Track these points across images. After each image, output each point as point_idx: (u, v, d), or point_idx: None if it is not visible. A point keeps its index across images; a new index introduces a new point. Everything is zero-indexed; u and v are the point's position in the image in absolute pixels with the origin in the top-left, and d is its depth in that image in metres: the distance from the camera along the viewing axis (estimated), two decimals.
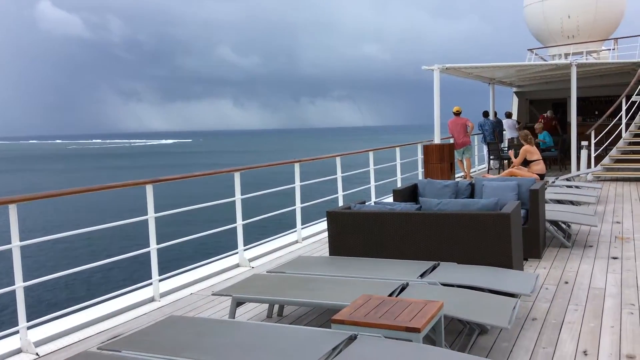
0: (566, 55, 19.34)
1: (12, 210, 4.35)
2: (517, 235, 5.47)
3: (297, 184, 8.16)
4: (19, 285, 4.35)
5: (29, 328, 4.55)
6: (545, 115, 18.05)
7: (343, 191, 9.39)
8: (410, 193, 7.34)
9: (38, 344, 4.51)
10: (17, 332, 4.44)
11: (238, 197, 6.81)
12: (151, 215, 5.55)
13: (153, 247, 5.56)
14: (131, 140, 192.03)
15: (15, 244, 4.35)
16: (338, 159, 9.27)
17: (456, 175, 13.71)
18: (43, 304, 12.72)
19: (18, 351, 4.40)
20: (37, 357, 4.31)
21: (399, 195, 7.12)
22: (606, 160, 14.49)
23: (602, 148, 15.00)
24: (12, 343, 4.46)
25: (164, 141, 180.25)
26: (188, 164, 64.88)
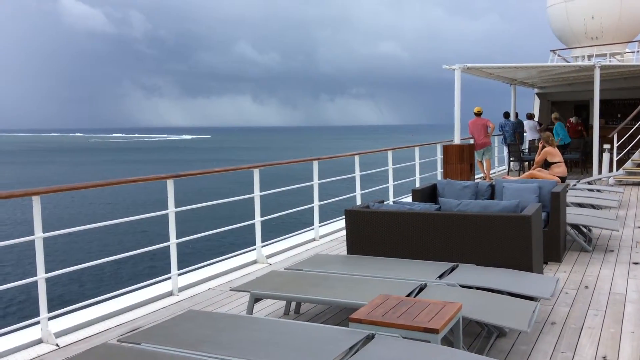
0: (589, 57, 19.07)
1: (36, 202, 4.42)
2: (537, 238, 5.43)
3: (316, 181, 8.18)
4: (41, 276, 4.42)
5: (49, 319, 4.61)
6: (570, 120, 17.79)
7: (361, 190, 9.39)
8: (429, 193, 7.30)
9: (59, 334, 4.58)
10: (38, 322, 4.49)
11: (257, 193, 6.83)
12: (171, 210, 5.61)
13: (173, 241, 5.60)
14: (152, 135, 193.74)
15: (39, 235, 4.41)
16: (357, 158, 9.29)
17: (476, 177, 13.63)
18: (63, 296, 12.98)
19: (39, 341, 4.47)
20: (57, 347, 4.38)
21: (418, 195, 7.08)
22: (628, 164, 14.28)
23: (624, 152, 14.78)
24: (33, 333, 4.53)
25: (184, 136, 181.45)
26: (207, 159, 65.35)
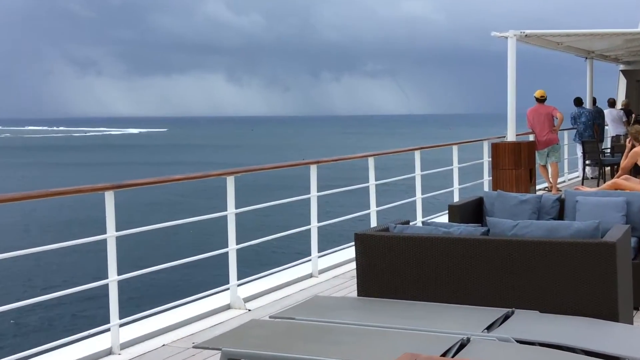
0: None
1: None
2: (625, 274, 5.43)
3: (314, 194, 8.26)
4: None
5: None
6: None
7: (377, 206, 9.45)
8: (472, 210, 7.34)
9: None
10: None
11: (232, 210, 6.92)
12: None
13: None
14: (85, 128, 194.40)
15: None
16: (371, 161, 9.34)
17: (538, 187, 13.66)
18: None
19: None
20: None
21: (457, 213, 7.13)
22: None
23: None
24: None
25: (130, 130, 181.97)
26: (160, 162, 65.51)
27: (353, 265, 8.45)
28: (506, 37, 13.07)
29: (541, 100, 14.15)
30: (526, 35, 13.12)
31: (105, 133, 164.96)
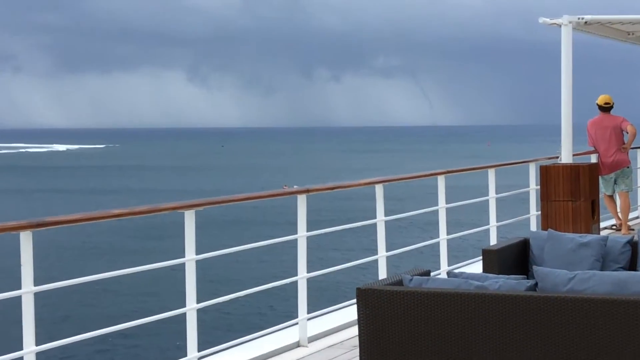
0: None
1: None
2: None
3: (302, 233, 8.30)
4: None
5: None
6: None
7: (387, 250, 9.42)
8: (515, 257, 7.36)
9: None
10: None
11: (191, 257, 6.94)
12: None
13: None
14: None
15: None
16: (379, 189, 9.36)
17: (602, 225, 13.63)
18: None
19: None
20: None
21: (495, 260, 7.15)
22: None
23: None
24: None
25: (55, 146, 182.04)
26: (95, 190, 65.46)
27: (355, 330, 8.40)
28: (559, 25, 13.09)
29: (606, 108, 14.16)
30: (585, 21, 13.13)
31: (22, 150, 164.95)
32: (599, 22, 13.44)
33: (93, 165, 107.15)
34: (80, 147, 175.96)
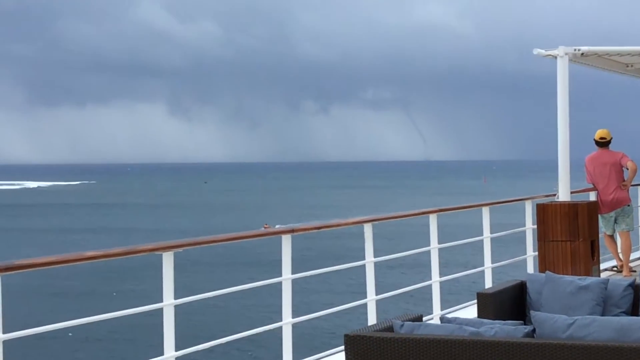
0: None
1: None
2: None
3: (287, 276, 8.31)
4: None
5: None
6: None
7: (377, 293, 9.45)
8: (511, 301, 7.47)
9: None
10: None
11: (170, 301, 6.99)
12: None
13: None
14: None
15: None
16: (368, 228, 9.31)
17: (603, 266, 13.62)
18: None
19: None
20: None
21: (490, 304, 7.21)
22: None
23: None
24: None
25: (27, 183, 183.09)
26: (61, 229, 65.53)
27: None
28: (555, 57, 13.06)
29: (604, 143, 14.18)
30: (582, 53, 13.10)
31: None
32: (596, 54, 13.44)
33: (65, 202, 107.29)
34: (54, 184, 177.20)
